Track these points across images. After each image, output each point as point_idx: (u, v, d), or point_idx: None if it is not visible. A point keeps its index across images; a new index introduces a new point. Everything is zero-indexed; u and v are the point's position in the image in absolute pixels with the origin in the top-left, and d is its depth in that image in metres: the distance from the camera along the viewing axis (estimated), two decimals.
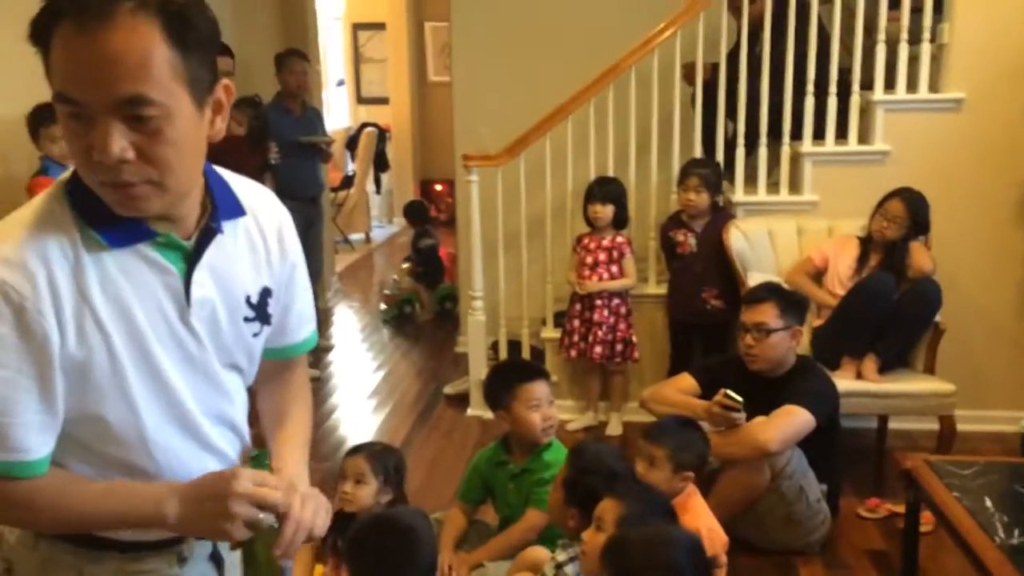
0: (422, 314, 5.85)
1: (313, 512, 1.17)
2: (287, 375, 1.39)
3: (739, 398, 2.57)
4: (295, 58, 4.79)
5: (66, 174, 1.12)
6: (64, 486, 1.10)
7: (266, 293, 1.24)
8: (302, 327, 1.37)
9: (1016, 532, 2.02)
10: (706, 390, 2.93)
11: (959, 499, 2.17)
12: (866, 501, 3.14)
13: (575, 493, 2.13)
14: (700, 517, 2.29)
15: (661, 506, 1.99)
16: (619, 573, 1.66)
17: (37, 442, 1.06)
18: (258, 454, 1.21)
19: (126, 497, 1.12)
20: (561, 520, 2.17)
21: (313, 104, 5.41)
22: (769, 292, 2.87)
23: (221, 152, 3.79)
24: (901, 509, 2.64)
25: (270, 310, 1.25)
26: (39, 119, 2.91)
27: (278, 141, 4.50)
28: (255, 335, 1.24)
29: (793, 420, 2.64)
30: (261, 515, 1.11)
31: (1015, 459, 2.65)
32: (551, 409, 2.49)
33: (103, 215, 1.06)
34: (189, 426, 1.18)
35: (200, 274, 1.14)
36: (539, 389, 2.48)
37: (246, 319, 1.21)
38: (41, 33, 1.00)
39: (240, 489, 1.09)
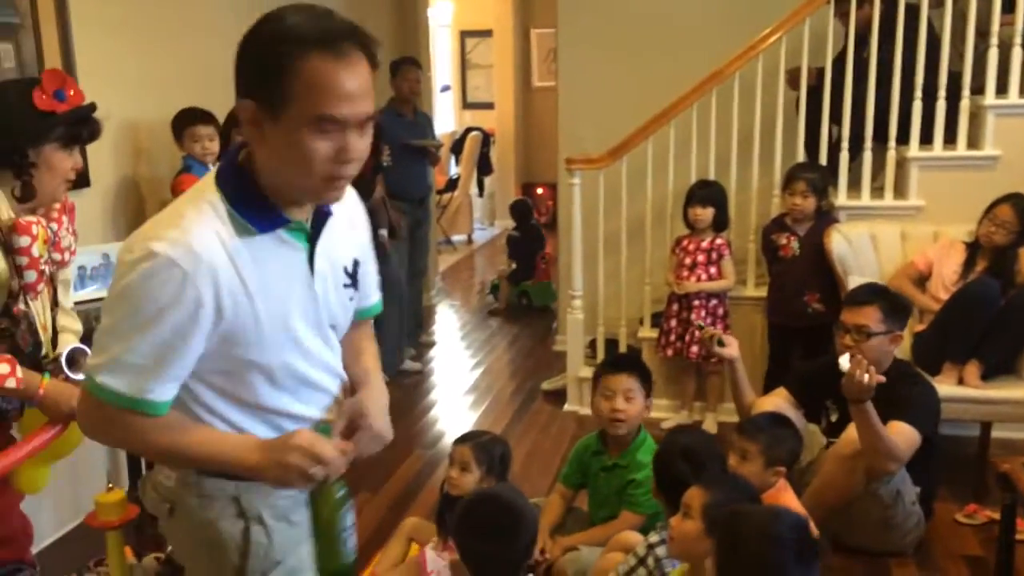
0: (497, 303, 6.32)
1: (368, 440, 1.46)
2: (359, 331, 1.66)
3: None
4: (410, 65, 5.00)
5: (213, 172, 1.35)
6: (173, 429, 1.33)
7: (356, 264, 1.51)
8: (373, 293, 1.64)
9: None
10: (801, 400, 2.98)
11: None
12: (965, 507, 3.12)
13: (663, 479, 2.21)
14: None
15: (748, 494, 2.02)
16: (726, 543, 1.69)
17: (167, 389, 1.30)
18: (324, 426, 1.41)
19: (218, 445, 1.36)
20: (693, 552, 2.02)
21: (423, 109, 5.64)
22: (874, 295, 2.86)
23: None
24: (999, 516, 2.62)
25: (359, 278, 1.52)
26: (183, 121, 3.17)
27: (390, 144, 4.72)
28: (351, 299, 1.50)
29: (904, 439, 2.66)
30: (314, 469, 1.32)
31: None
32: (623, 402, 2.58)
33: (252, 206, 1.31)
34: (307, 372, 1.43)
35: (319, 250, 1.40)
36: (618, 381, 2.59)
37: (344, 285, 1.47)
38: (283, 58, 1.24)
39: (297, 441, 1.33)
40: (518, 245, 6.46)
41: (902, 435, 2.67)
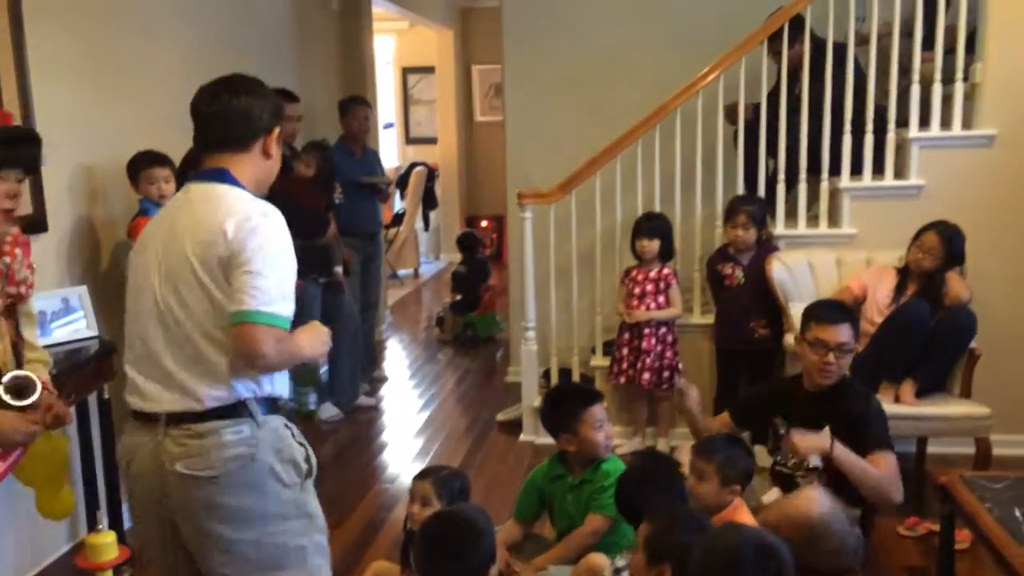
0: (442, 335, 6.49)
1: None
2: None
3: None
4: (359, 105, 5.10)
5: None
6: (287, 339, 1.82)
7: None
8: None
9: None
10: (744, 424, 3.12)
11: (990, 510, 2.32)
12: (906, 520, 3.27)
13: (623, 505, 2.30)
14: None
15: (692, 522, 2.04)
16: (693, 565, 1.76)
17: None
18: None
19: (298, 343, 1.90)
20: None
21: (371, 146, 5.72)
22: (843, 312, 3.00)
23: (291, 193, 4.17)
24: (939, 527, 2.76)
25: None
26: (139, 164, 3.19)
27: (340, 181, 4.78)
28: None
29: (891, 468, 2.78)
30: None
31: None
32: (610, 427, 2.72)
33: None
34: None
35: None
36: (599, 411, 2.69)
37: None
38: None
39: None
40: (464, 277, 6.63)
41: (887, 465, 2.78)
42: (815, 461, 2.80)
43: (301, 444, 1.94)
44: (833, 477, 2.83)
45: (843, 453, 2.74)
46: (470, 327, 6.36)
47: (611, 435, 2.71)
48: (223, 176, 1.86)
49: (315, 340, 1.94)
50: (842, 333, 2.87)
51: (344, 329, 4.73)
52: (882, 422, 2.87)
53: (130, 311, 1.92)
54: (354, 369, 4.88)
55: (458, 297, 6.55)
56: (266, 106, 1.95)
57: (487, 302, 6.48)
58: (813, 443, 2.76)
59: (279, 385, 1.91)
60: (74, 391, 2.52)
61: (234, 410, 1.82)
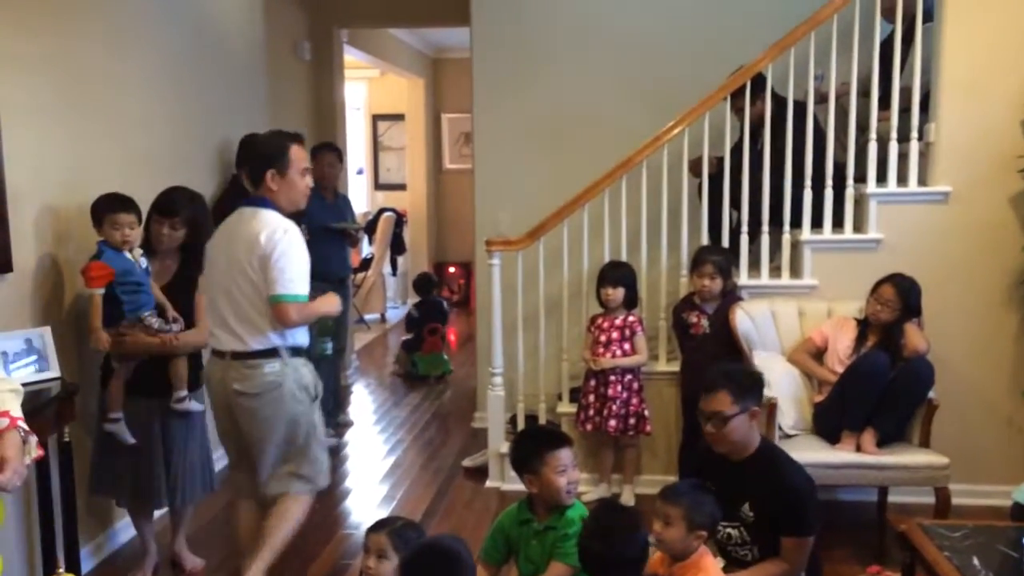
0: (396, 368, 6.93)
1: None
2: None
3: None
4: (327, 151, 5.14)
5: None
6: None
7: None
8: None
9: None
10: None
11: (949, 558, 2.36)
12: (867, 568, 3.31)
13: (585, 558, 2.31)
14: (711, 575, 2.46)
15: None
16: None
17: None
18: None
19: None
20: None
21: (341, 192, 5.76)
22: (721, 378, 2.81)
23: None
24: (900, 575, 2.80)
25: None
26: (105, 207, 3.17)
27: (310, 226, 4.79)
28: None
29: (798, 555, 2.69)
30: None
31: (1001, 522, 2.82)
32: (575, 472, 2.68)
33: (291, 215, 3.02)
34: None
35: None
36: (565, 455, 2.68)
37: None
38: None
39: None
40: (414, 318, 6.99)
41: (793, 552, 2.69)
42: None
43: (313, 377, 3.03)
44: (760, 554, 2.77)
45: None
46: (414, 365, 6.72)
47: (575, 480, 2.69)
48: (266, 204, 2.99)
49: (327, 303, 3.07)
50: (714, 402, 2.72)
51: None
52: (804, 505, 2.69)
53: (209, 288, 3.06)
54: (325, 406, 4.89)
55: (409, 336, 6.93)
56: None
57: (432, 343, 6.78)
58: None
59: (300, 338, 3.00)
60: (35, 433, 2.47)
61: (270, 353, 2.91)
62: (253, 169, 3.01)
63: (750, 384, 2.83)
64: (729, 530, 2.81)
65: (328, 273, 5.01)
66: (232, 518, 3.25)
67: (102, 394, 3.29)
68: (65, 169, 3.37)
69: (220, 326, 2.96)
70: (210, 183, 4.52)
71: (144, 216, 3.32)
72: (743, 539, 2.79)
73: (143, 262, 3.25)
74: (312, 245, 4.77)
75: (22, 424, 1.99)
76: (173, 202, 3.31)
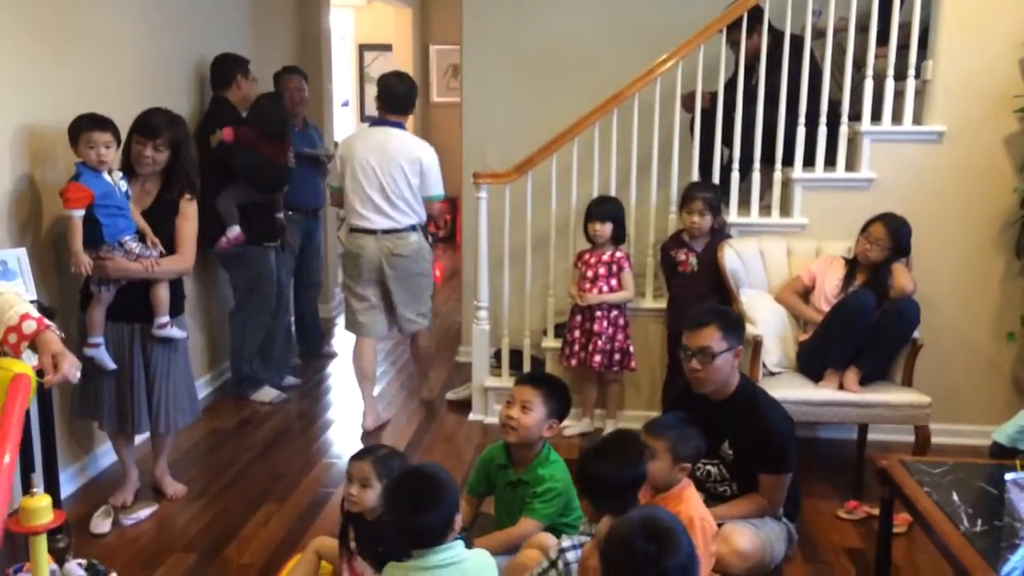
0: None
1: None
2: None
3: None
4: (291, 74, 4.96)
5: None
6: None
7: None
8: None
9: (979, 522, 2.22)
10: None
11: (929, 494, 2.38)
12: (845, 504, 3.35)
13: (584, 484, 2.30)
14: (693, 507, 2.47)
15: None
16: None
17: None
18: None
19: None
20: None
21: (314, 121, 5.65)
22: (710, 315, 2.81)
23: (253, 145, 4.14)
24: (877, 511, 2.83)
25: None
26: (80, 127, 3.08)
27: None
28: None
29: (776, 493, 2.73)
30: None
31: (981, 460, 2.85)
32: (517, 411, 2.64)
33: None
34: None
35: None
36: (520, 391, 2.67)
37: None
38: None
39: None
40: None
41: (771, 489, 2.72)
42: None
43: (431, 245, 4.29)
44: (738, 491, 2.80)
45: (718, 514, 2.65)
46: None
47: (511, 419, 2.64)
48: (401, 126, 4.18)
49: (442, 209, 4.34)
50: (701, 337, 2.69)
51: (282, 306, 4.71)
52: (782, 443, 2.71)
53: (357, 182, 4.08)
54: (288, 348, 5.00)
55: None
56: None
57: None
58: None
59: (426, 220, 4.20)
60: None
61: (412, 228, 4.13)
62: (406, 104, 4.23)
63: (736, 323, 2.82)
64: (708, 467, 2.82)
65: (301, 204, 4.93)
66: (357, 351, 4.35)
67: (80, 318, 3.24)
68: (43, 89, 3.27)
69: (374, 211, 4.08)
70: (188, 104, 4.41)
71: (123, 139, 3.23)
72: (722, 476, 2.81)
73: (123, 185, 3.18)
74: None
75: (48, 323, 1.98)
76: (155, 123, 3.22)
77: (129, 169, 3.26)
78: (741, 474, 2.79)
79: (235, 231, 4.35)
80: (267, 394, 4.61)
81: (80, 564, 2.19)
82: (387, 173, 4.05)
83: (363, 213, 4.08)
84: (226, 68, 4.46)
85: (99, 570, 2.19)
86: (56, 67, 3.34)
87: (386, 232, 4.08)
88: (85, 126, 3.09)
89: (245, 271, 4.51)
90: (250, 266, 4.50)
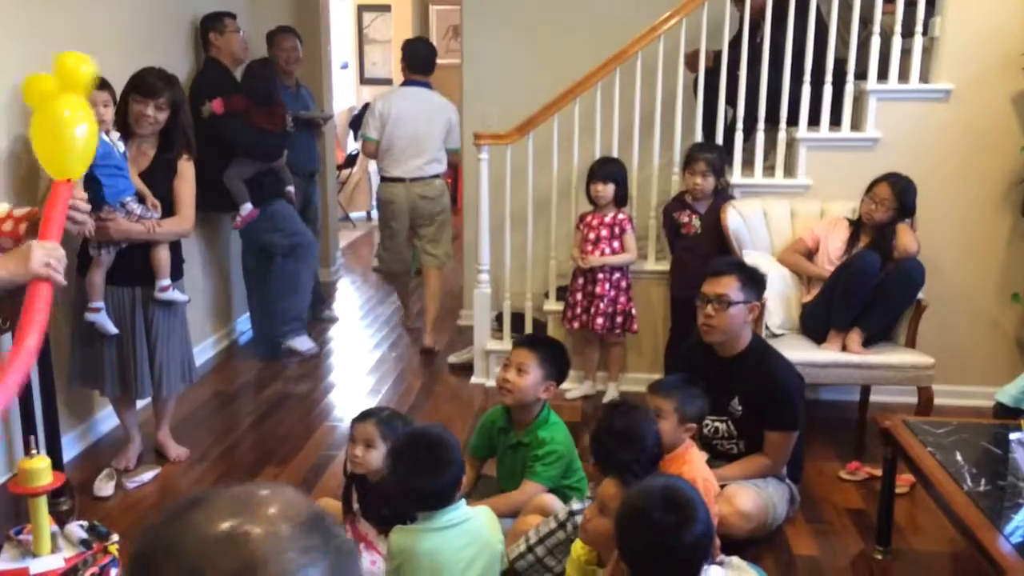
0: (375, 263, 6.58)
1: None
2: None
3: None
4: (285, 34, 4.86)
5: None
6: None
7: None
8: None
9: (982, 481, 2.22)
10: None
11: (932, 453, 2.37)
12: (847, 465, 3.35)
13: (598, 448, 2.28)
14: (696, 468, 2.48)
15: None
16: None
17: None
18: None
19: None
20: (606, 545, 2.09)
21: (314, 83, 5.59)
22: (731, 266, 2.91)
23: (246, 116, 4.09)
24: (879, 472, 2.83)
25: None
26: None
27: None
28: None
29: (782, 451, 2.78)
30: None
31: (984, 420, 2.84)
32: (513, 374, 2.66)
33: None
34: None
35: None
36: (517, 353, 2.70)
37: None
38: None
39: None
40: None
41: (776, 447, 2.76)
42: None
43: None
44: (745, 449, 2.84)
45: (722, 475, 2.71)
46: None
47: (507, 381, 2.67)
48: (429, 86, 4.77)
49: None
50: (720, 284, 2.77)
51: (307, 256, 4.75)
52: (792, 400, 2.76)
53: (397, 136, 4.66)
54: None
55: None
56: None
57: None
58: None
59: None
60: (8, 317, 2.42)
61: (436, 176, 4.74)
62: (431, 65, 4.88)
63: (757, 279, 2.88)
64: (717, 424, 2.83)
65: (296, 167, 4.87)
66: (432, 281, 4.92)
67: (79, 282, 3.22)
68: (35, 46, 3.21)
69: (407, 162, 4.69)
70: (184, 64, 4.35)
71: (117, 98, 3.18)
72: (730, 433, 2.82)
73: (120, 146, 3.14)
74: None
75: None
76: (156, 83, 3.18)
77: (123, 130, 3.21)
78: (749, 431, 2.80)
79: (247, 208, 4.33)
80: (305, 343, 4.71)
81: (82, 526, 2.19)
82: (422, 128, 4.65)
83: (399, 164, 4.69)
84: (203, 28, 4.41)
85: (101, 532, 2.19)
86: (47, 20, 3.28)
87: (414, 180, 4.69)
88: None
89: (279, 229, 4.52)
90: (279, 221, 4.51)
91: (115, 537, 2.24)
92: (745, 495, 2.70)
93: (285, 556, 0.69)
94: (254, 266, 4.62)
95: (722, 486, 2.67)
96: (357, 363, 4.73)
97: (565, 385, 4.07)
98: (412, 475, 2.04)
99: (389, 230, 4.89)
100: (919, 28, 3.78)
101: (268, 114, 4.33)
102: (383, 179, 4.80)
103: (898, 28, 3.80)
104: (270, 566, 0.68)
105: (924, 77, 3.86)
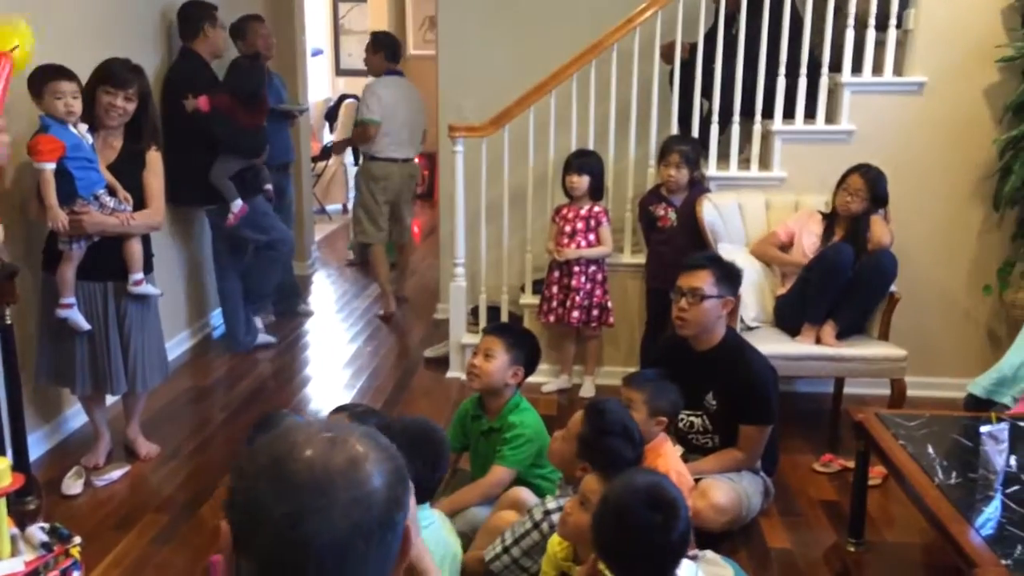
0: (349, 256, 6.82)
1: None
2: None
3: None
4: (260, 21, 4.76)
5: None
6: None
7: None
8: None
9: (953, 474, 2.23)
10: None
11: (904, 446, 2.38)
12: (821, 457, 3.36)
13: (590, 450, 2.23)
14: (670, 461, 2.48)
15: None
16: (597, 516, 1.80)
17: None
18: None
19: None
20: (569, 468, 2.28)
21: (289, 73, 5.56)
22: (707, 260, 2.92)
23: (228, 114, 4.00)
24: (853, 464, 2.84)
25: None
26: (44, 77, 2.96)
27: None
28: None
29: (755, 445, 2.80)
30: None
31: (956, 412, 2.86)
32: (480, 359, 2.69)
33: None
34: None
35: None
36: (485, 340, 2.74)
37: None
38: None
39: None
40: None
41: (751, 441, 2.78)
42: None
43: None
44: (720, 444, 2.86)
45: (696, 469, 2.74)
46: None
47: (475, 367, 2.70)
48: (403, 74, 5.22)
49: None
50: (695, 278, 2.79)
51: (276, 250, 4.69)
52: (766, 393, 2.78)
53: (394, 120, 5.02)
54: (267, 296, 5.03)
55: None
56: None
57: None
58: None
59: None
60: None
61: (415, 156, 5.29)
62: (397, 54, 5.24)
63: (732, 273, 2.89)
64: (692, 418, 2.83)
65: (270, 158, 4.81)
66: (377, 255, 5.32)
67: (46, 278, 3.16)
68: None
69: (401, 144, 5.12)
70: (153, 55, 4.27)
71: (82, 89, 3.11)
72: (705, 427, 2.82)
73: (89, 138, 3.08)
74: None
75: None
76: (124, 73, 3.12)
77: (89, 122, 3.15)
78: (723, 426, 2.81)
79: (238, 205, 4.28)
80: (263, 329, 4.78)
81: (43, 528, 2.15)
82: (410, 113, 5.12)
83: (397, 146, 5.09)
84: (193, 17, 4.32)
85: (63, 534, 2.15)
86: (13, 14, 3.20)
87: (405, 161, 5.17)
88: (50, 77, 2.98)
89: (257, 226, 4.49)
90: (259, 218, 4.49)
91: (77, 539, 2.19)
92: (719, 488, 2.70)
93: (372, 455, 0.92)
94: (226, 257, 4.56)
95: (697, 480, 2.67)
96: (332, 357, 4.69)
97: (541, 379, 4.09)
98: (411, 464, 2.00)
99: (377, 206, 5.18)
100: (893, 20, 3.79)
101: (252, 111, 4.30)
102: (375, 159, 5.10)
103: (872, 21, 3.81)
104: (368, 462, 0.91)
105: (898, 70, 3.88)
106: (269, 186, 4.60)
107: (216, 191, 4.26)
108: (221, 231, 4.45)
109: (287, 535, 0.86)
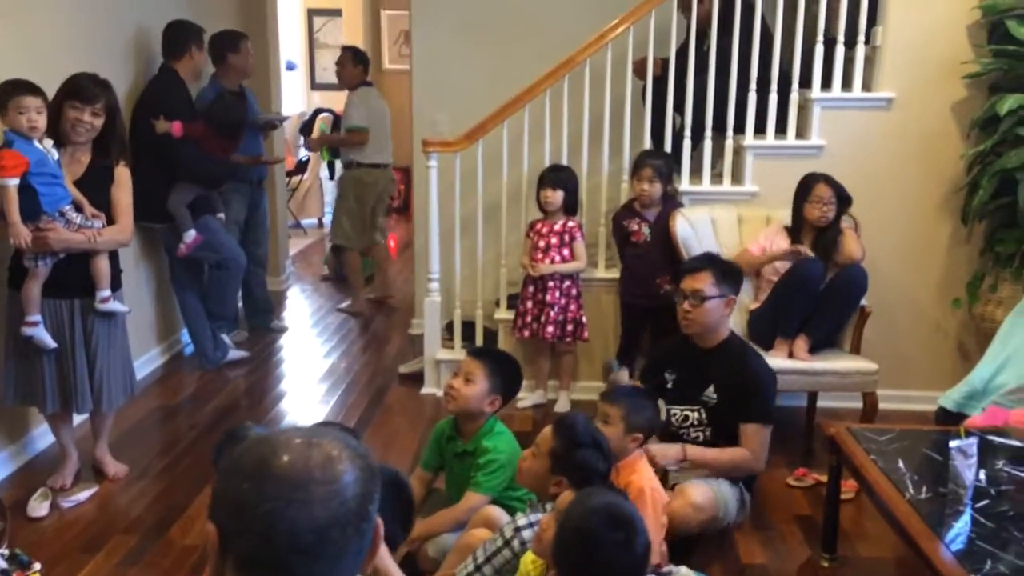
0: (324, 271, 6.88)
1: None
2: None
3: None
4: (246, 40, 4.77)
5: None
6: None
7: None
8: None
9: (924, 488, 2.24)
10: (644, 379, 3.15)
11: (875, 461, 2.39)
12: (794, 471, 3.37)
13: (564, 465, 2.22)
14: (644, 477, 2.47)
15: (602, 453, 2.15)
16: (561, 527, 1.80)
17: None
18: None
19: None
20: (541, 486, 2.28)
21: (263, 86, 5.57)
22: (707, 262, 3.03)
23: (198, 142, 3.96)
24: (826, 478, 2.85)
25: None
26: (8, 92, 2.92)
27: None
28: None
29: (759, 444, 2.85)
30: None
31: (926, 427, 2.88)
32: (459, 382, 2.65)
33: None
34: None
35: None
36: (466, 363, 2.70)
37: None
38: None
39: None
40: None
41: (754, 440, 2.83)
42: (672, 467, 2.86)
43: None
44: (712, 437, 2.90)
45: (697, 454, 2.83)
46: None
47: (452, 388, 2.66)
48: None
49: None
50: (696, 280, 2.92)
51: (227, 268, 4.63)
52: (766, 393, 2.88)
53: (379, 127, 5.51)
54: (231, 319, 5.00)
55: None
56: None
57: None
58: (667, 455, 2.80)
59: None
60: None
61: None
62: (368, 68, 5.61)
63: (731, 273, 3.01)
64: (687, 412, 2.90)
65: (243, 175, 4.80)
66: (351, 259, 5.72)
67: (12, 295, 3.11)
68: None
69: (385, 150, 5.55)
70: (128, 72, 4.24)
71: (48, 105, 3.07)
72: (700, 421, 2.90)
73: (55, 153, 3.04)
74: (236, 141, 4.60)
75: None
76: (92, 88, 3.08)
77: (55, 137, 3.11)
78: (719, 421, 2.88)
79: (191, 236, 4.26)
80: (233, 346, 4.79)
81: (2, 555, 2.10)
82: (386, 121, 5.55)
83: (381, 152, 5.53)
84: (181, 37, 4.30)
85: (22, 560, 2.10)
86: None
87: (386, 166, 5.61)
88: (14, 91, 2.94)
89: (207, 245, 4.42)
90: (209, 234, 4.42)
91: (37, 566, 2.15)
92: (696, 488, 2.74)
93: (346, 454, 1.01)
94: (183, 274, 4.51)
95: (690, 480, 2.72)
96: (307, 373, 4.66)
97: (521, 394, 4.06)
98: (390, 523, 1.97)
99: (363, 211, 5.55)
100: (861, 37, 3.84)
101: (223, 144, 4.28)
102: (362, 165, 5.51)
103: (841, 37, 3.85)
104: (342, 461, 1.00)
105: (867, 86, 3.92)
106: (221, 215, 4.56)
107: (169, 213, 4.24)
108: (174, 252, 4.40)
109: (271, 529, 0.94)
